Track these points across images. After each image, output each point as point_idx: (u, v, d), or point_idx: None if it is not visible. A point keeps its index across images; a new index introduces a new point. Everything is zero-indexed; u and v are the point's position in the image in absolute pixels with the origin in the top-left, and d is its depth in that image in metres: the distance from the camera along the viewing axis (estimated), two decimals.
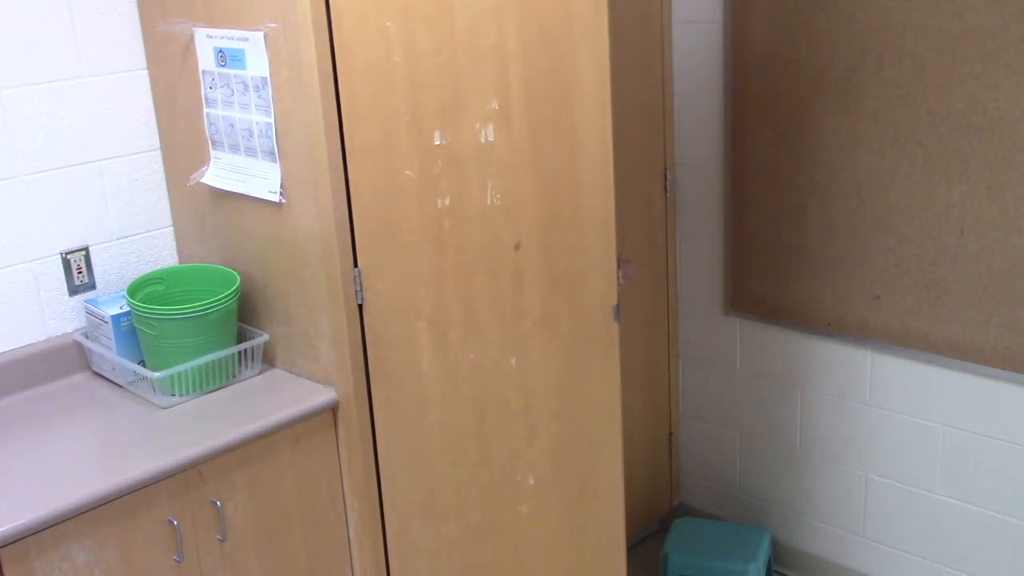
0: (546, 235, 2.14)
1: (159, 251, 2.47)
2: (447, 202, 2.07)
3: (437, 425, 2.21)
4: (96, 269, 2.37)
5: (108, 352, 2.24)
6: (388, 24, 1.96)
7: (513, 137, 2.07)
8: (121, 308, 2.24)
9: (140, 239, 2.43)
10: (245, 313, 2.32)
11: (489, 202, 2.09)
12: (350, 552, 2.26)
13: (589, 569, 2.41)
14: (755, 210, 2.84)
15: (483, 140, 2.05)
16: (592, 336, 2.24)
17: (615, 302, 2.24)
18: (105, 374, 2.28)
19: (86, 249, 2.35)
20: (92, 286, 2.36)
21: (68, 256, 2.32)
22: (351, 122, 2.00)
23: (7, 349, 2.24)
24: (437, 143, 2.04)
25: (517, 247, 2.12)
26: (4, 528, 1.71)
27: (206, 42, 2.17)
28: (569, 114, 2.10)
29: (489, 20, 1.99)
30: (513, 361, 2.19)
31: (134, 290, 2.24)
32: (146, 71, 2.38)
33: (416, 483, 2.24)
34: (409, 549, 2.29)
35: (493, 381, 2.20)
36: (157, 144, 2.43)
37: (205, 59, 2.19)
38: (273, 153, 2.10)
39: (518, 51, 2.03)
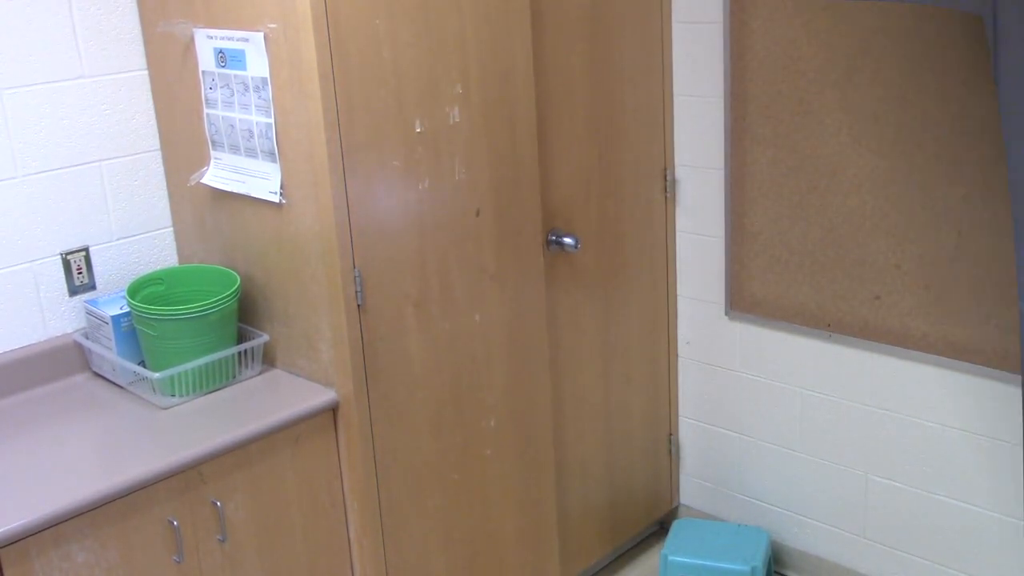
0: (497, 197, 2.38)
1: (159, 251, 2.47)
2: (426, 185, 2.20)
3: (422, 404, 2.29)
4: (96, 269, 2.37)
5: (108, 352, 2.24)
6: (377, 21, 2.04)
7: (472, 115, 2.27)
8: (121, 308, 2.24)
9: (140, 239, 2.43)
10: (245, 313, 2.32)
11: (456, 177, 2.26)
12: (350, 552, 2.26)
13: (531, 485, 2.62)
14: (755, 210, 2.84)
15: (451, 121, 2.22)
16: (528, 273, 2.51)
17: (542, 240, 2.54)
18: (105, 374, 2.28)
19: (86, 249, 2.35)
20: (92, 286, 2.36)
21: (68, 256, 2.32)
22: (347, 121, 2.02)
23: (7, 349, 2.24)
24: (418, 130, 2.16)
25: (478, 213, 2.33)
26: (4, 528, 1.71)
27: (206, 42, 2.17)
28: (509, 88, 2.36)
29: (451, 9, 2.18)
30: (477, 317, 2.37)
31: (134, 290, 2.24)
32: (146, 71, 2.38)
33: (407, 466, 2.28)
34: (401, 532, 2.30)
35: (464, 342, 2.36)
36: (157, 144, 2.43)
37: (205, 59, 2.19)
38: (273, 153, 2.10)
39: (473, 37, 2.23)
